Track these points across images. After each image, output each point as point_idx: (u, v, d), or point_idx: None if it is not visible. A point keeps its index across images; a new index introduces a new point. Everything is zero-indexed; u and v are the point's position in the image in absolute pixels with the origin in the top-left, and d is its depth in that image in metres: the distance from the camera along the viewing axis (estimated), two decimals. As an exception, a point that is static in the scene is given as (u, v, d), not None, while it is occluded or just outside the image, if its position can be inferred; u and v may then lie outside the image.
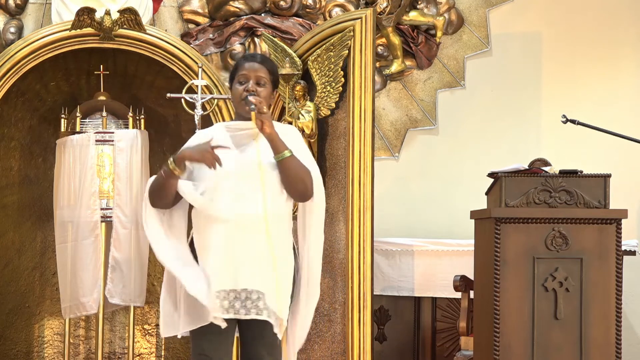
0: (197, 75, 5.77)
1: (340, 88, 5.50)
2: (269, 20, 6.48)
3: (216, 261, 3.81)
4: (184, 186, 3.83)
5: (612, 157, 6.33)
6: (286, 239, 3.91)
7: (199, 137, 3.97)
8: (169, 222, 3.92)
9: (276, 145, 3.82)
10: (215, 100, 5.79)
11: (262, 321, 3.82)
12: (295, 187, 3.86)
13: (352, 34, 5.42)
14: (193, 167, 3.86)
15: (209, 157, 3.76)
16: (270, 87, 3.95)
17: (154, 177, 3.90)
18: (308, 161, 3.92)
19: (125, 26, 5.88)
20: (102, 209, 5.95)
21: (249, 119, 3.84)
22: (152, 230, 3.90)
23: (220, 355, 3.89)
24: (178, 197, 3.88)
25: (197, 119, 5.52)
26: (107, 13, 5.81)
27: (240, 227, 3.80)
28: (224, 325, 3.80)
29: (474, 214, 5.01)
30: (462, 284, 5.36)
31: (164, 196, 3.85)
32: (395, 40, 6.50)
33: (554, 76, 6.64)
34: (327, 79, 5.52)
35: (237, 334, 3.94)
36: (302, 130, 5.50)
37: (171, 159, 3.81)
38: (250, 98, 3.81)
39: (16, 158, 6.39)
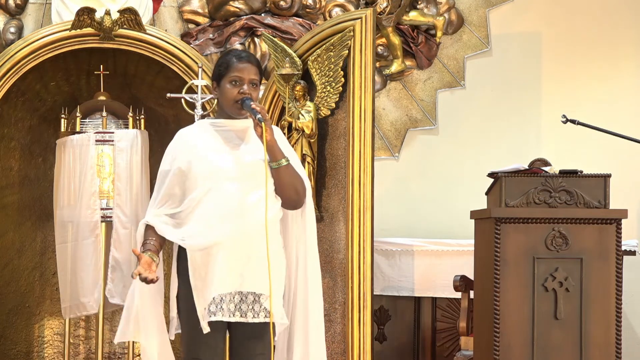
0: (197, 75, 5.78)
1: (340, 88, 5.50)
2: (269, 20, 6.48)
3: (222, 264, 3.80)
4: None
5: (612, 157, 6.33)
6: (279, 241, 3.91)
7: (181, 138, 3.92)
8: None
9: (274, 152, 3.80)
10: (215, 100, 5.79)
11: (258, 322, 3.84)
12: (290, 195, 3.85)
13: (352, 34, 5.41)
14: (189, 170, 3.84)
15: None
16: (259, 88, 3.95)
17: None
18: (299, 166, 3.92)
19: (125, 26, 5.88)
20: (102, 209, 5.94)
21: (238, 119, 3.85)
22: None
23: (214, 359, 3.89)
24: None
25: (197, 119, 5.52)
26: (107, 13, 5.81)
27: (244, 229, 3.78)
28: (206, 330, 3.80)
29: (474, 214, 5.00)
30: (462, 284, 5.36)
31: None
32: (395, 40, 6.50)
33: (554, 76, 6.64)
34: (327, 79, 5.51)
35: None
36: (302, 130, 5.50)
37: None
38: (253, 105, 3.78)
39: (16, 158, 6.39)
